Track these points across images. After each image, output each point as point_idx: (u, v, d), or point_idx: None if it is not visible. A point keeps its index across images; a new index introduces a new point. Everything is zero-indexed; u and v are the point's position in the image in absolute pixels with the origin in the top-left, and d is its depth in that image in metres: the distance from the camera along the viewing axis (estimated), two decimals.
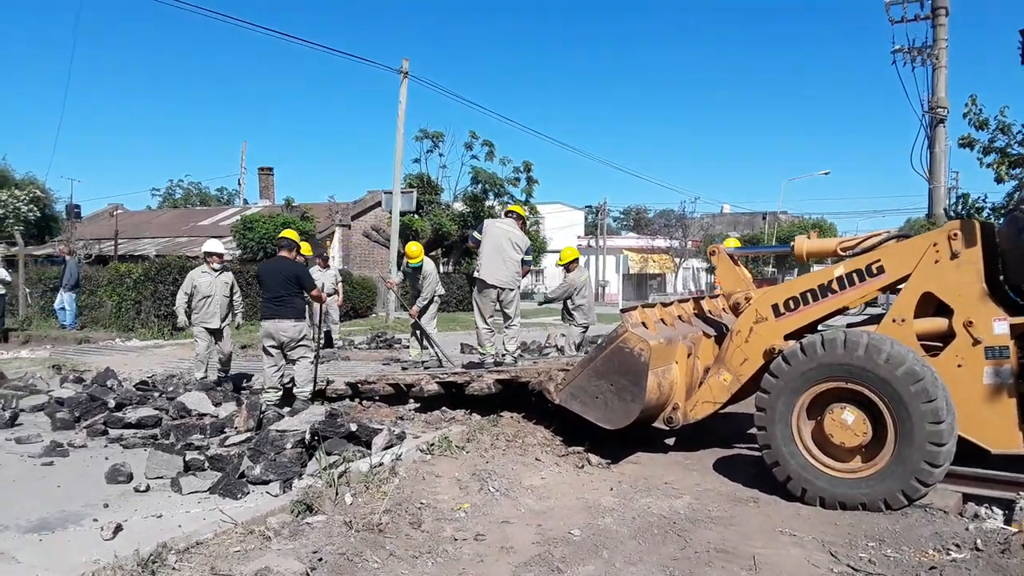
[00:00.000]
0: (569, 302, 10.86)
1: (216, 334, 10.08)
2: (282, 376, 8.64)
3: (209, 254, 10.13)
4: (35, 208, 31.18)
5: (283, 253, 8.68)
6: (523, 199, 33.01)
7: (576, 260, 11.08)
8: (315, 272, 11.98)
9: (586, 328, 10.93)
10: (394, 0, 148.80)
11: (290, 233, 8.92)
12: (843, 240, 6.72)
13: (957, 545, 4.58)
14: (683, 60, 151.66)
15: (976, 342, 5.47)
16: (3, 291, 17.55)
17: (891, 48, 17.49)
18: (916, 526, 4.99)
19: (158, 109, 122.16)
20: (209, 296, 9.89)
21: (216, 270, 10.02)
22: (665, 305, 7.32)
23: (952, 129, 16.49)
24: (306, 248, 9.34)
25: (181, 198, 59.46)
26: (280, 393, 8.56)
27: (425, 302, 10.56)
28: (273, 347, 8.43)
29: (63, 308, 18.74)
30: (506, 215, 9.18)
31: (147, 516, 5.12)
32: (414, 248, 10.64)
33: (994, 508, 5.29)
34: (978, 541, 4.56)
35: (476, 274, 8.49)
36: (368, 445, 6.43)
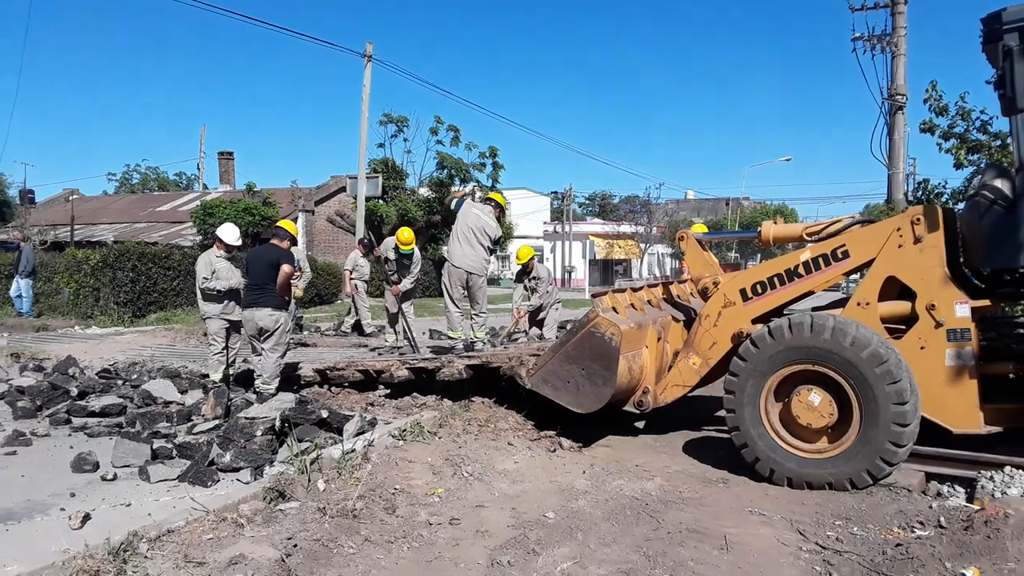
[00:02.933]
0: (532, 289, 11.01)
1: (235, 327, 8.97)
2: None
3: (220, 242, 8.94)
4: None
5: (274, 241, 8.35)
6: (489, 185, 32.89)
7: (533, 258, 11.23)
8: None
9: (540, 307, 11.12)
10: None
11: (287, 224, 8.58)
12: (808, 226, 6.83)
13: (921, 523, 4.71)
14: (647, 46, 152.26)
15: (938, 325, 5.60)
16: None
17: (851, 36, 17.75)
18: (881, 504, 5.12)
19: (114, 92, 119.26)
20: (229, 282, 8.79)
21: (226, 257, 8.92)
22: (635, 290, 7.38)
23: (911, 115, 16.88)
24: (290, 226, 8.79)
25: (138, 183, 58.16)
26: (274, 384, 8.07)
27: (411, 286, 10.52)
28: (253, 336, 8.13)
29: (19, 296, 18.27)
30: (485, 201, 9.12)
31: (115, 505, 5.03)
32: (406, 235, 10.55)
33: (956, 487, 5.47)
34: (941, 519, 4.68)
35: (445, 255, 8.46)
36: (339, 432, 6.39)
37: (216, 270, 8.75)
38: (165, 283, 19.29)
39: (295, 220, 28.57)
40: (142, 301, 18.52)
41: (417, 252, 10.73)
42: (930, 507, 4.99)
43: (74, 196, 39.72)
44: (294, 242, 8.68)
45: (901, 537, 4.55)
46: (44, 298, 19.34)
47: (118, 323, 17.31)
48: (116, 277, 18.08)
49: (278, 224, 8.74)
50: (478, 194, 24.20)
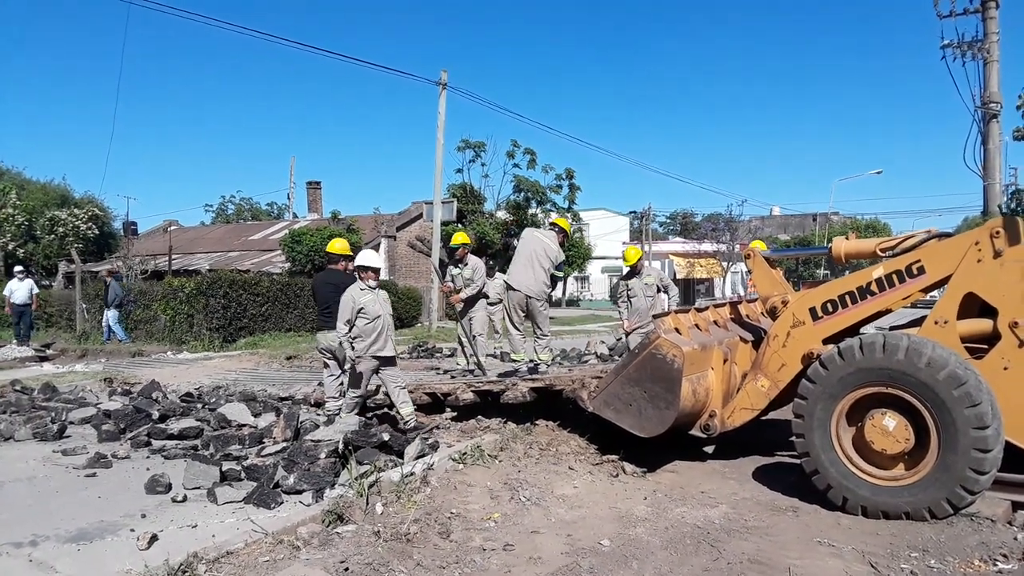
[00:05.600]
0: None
1: (388, 363, 7.90)
2: (342, 384, 8.57)
3: (363, 268, 7.84)
4: (93, 226, 32.27)
5: (331, 266, 8.76)
6: (566, 206, 32.93)
7: (642, 258, 11.04)
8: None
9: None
10: (432, 13, 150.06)
11: (331, 246, 8.85)
12: (882, 241, 6.54)
13: (1004, 555, 4.40)
14: (727, 61, 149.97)
15: (1022, 343, 5.25)
16: (27, 302, 18.23)
17: (940, 43, 17.04)
18: (962, 536, 4.80)
19: (210, 127, 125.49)
20: (378, 317, 7.72)
21: (372, 287, 7.84)
22: (700, 310, 7.20)
23: (1006, 124, 15.94)
24: (343, 247, 8.85)
25: (233, 213, 60.80)
26: (341, 402, 8.41)
27: (472, 293, 10.36)
28: (329, 357, 8.48)
29: (107, 326, 19.40)
30: (551, 226, 9.11)
31: (182, 526, 5.19)
32: (458, 237, 10.73)
33: None
34: None
35: (508, 281, 8.46)
36: (400, 454, 6.44)
37: (363, 307, 7.63)
38: (254, 309, 20.02)
39: (377, 246, 29.28)
40: (233, 327, 19.27)
41: (477, 261, 10.64)
42: (1015, 539, 4.65)
43: (173, 227, 41.81)
44: (349, 259, 8.78)
45: (983, 571, 4.26)
46: (142, 324, 20.38)
47: (208, 348, 18.04)
48: (209, 304, 18.87)
49: (328, 248, 8.96)
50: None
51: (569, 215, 33.28)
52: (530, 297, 8.20)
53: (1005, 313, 5.35)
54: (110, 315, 19.25)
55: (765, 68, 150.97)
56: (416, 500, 5.46)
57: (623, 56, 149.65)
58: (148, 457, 7.20)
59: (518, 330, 8.47)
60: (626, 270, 11.26)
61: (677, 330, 6.55)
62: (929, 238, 6.03)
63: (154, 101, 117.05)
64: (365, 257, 7.93)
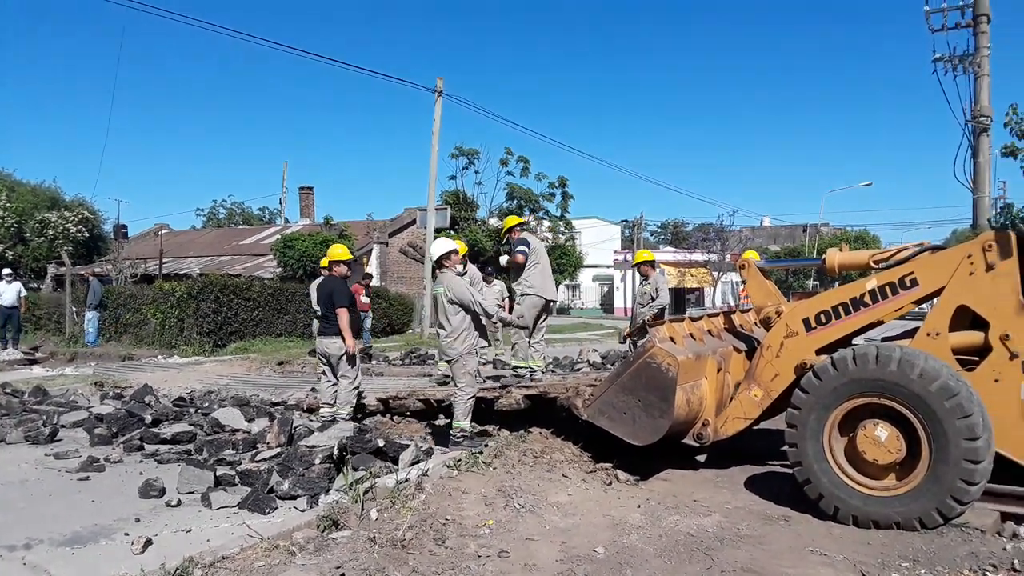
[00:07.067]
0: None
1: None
2: (336, 392, 8.60)
3: (447, 256, 7.48)
4: (84, 229, 32.11)
5: (332, 271, 8.74)
6: (559, 214, 33.02)
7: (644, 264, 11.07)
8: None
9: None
10: (429, 20, 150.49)
11: (332, 252, 8.78)
12: (876, 252, 6.60)
13: (994, 565, 4.44)
14: (720, 72, 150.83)
15: (1013, 356, 5.31)
16: (15, 305, 18.14)
17: (932, 57, 17.21)
18: (952, 546, 4.84)
19: (202, 131, 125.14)
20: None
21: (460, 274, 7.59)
22: (694, 320, 7.25)
23: (996, 138, 16.09)
24: (343, 253, 8.80)
25: (224, 218, 60.65)
26: (334, 408, 8.45)
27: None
28: (326, 364, 8.49)
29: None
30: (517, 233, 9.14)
31: (177, 531, 5.19)
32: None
33: None
34: (1016, 561, 4.41)
35: (529, 290, 8.47)
36: (395, 460, 6.45)
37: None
38: (245, 313, 19.99)
39: (369, 252, 29.27)
40: (223, 331, 19.23)
41: (474, 271, 10.64)
42: (1004, 549, 4.69)
43: (163, 231, 41.62)
44: (348, 266, 8.77)
45: None
46: (132, 328, 20.29)
47: (199, 352, 18.00)
48: (199, 308, 18.82)
49: (328, 257, 8.97)
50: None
51: (562, 223, 33.39)
52: (551, 302, 8.47)
53: (996, 326, 5.41)
54: (89, 316, 19.16)
55: (757, 80, 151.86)
56: (411, 506, 5.47)
57: (617, 65, 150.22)
58: (141, 461, 7.18)
59: (530, 338, 8.55)
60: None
61: (672, 339, 6.58)
62: (922, 251, 6.09)
63: (146, 104, 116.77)
64: (444, 245, 7.56)
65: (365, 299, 15.48)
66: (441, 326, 7.39)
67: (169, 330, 19.27)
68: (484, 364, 11.70)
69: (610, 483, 6.48)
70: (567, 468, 6.70)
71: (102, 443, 7.74)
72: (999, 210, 13.61)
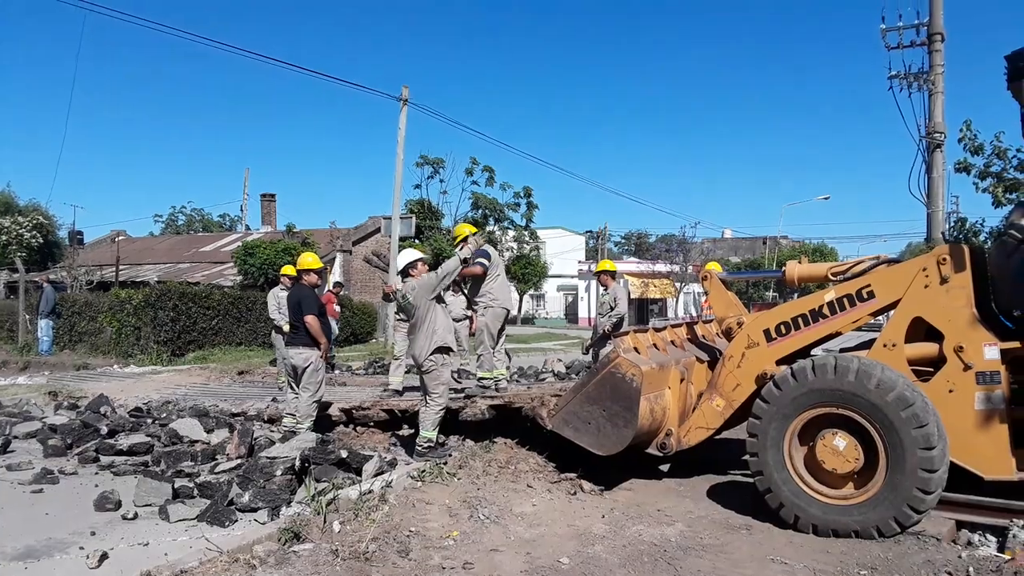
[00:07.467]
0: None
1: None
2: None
3: (412, 266, 7.67)
4: (38, 235, 31.38)
5: (301, 280, 8.53)
6: (523, 224, 33.12)
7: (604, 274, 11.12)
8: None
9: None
10: (395, 28, 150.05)
11: (303, 260, 8.58)
12: (834, 265, 6.73)
13: (949, 573, 4.54)
14: (683, 85, 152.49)
15: (967, 367, 5.44)
16: None
17: (887, 74, 17.64)
18: (909, 554, 4.94)
19: (161, 136, 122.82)
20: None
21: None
22: (658, 330, 7.31)
23: (950, 154, 16.54)
24: (289, 269, 8.71)
25: (184, 224, 59.67)
26: (296, 420, 8.25)
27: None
28: (289, 374, 8.38)
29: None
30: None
31: (133, 544, 5.08)
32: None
33: (987, 535, 5.26)
34: (971, 569, 4.51)
35: (492, 303, 8.44)
36: (359, 472, 6.39)
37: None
38: (204, 322, 19.67)
39: (332, 260, 29.03)
40: (182, 340, 18.90)
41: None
42: (959, 557, 4.80)
43: (120, 237, 40.90)
44: (317, 275, 8.66)
45: None
46: (87, 337, 19.83)
47: (156, 362, 17.65)
48: (157, 316, 18.47)
49: (299, 266, 8.84)
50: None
51: (527, 233, 33.47)
52: (509, 311, 8.48)
53: (951, 338, 5.54)
54: (42, 324, 18.66)
55: (717, 95, 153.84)
56: (374, 518, 5.42)
57: (580, 77, 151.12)
58: (97, 473, 7.02)
59: (494, 347, 8.53)
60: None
61: (636, 349, 6.63)
62: (879, 263, 6.22)
63: (104, 109, 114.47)
64: (411, 254, 7.75)
65: (337, 307, 15.43)
66: (410, 331, 7.41)
67: (126, 339, 18.85)
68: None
69: (575, 493, 6.50)
70: (532, 478, 6.71)
71: (56, 455, 7.55)
72: (953, 224, 14.00)
